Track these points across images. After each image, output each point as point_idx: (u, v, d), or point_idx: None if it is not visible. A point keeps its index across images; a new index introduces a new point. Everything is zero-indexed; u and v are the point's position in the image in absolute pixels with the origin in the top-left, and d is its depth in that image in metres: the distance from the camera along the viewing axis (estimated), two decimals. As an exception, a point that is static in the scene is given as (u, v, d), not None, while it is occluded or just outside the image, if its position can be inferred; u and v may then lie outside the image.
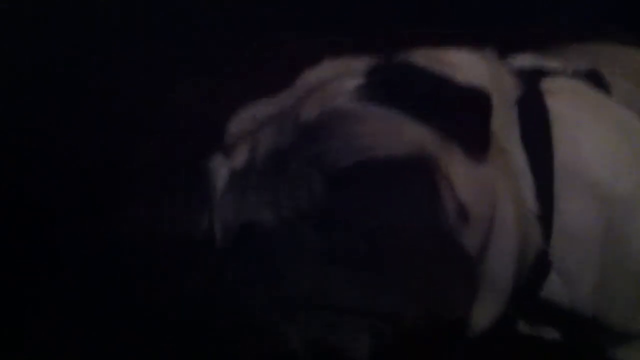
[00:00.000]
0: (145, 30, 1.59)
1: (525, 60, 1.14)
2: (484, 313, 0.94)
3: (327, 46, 1.64)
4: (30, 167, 1.53)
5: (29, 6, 1.54)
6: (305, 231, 0.87)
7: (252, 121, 0.98)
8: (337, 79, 0.97)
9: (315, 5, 1.69)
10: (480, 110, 0.93)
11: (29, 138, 1.55)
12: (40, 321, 1.42)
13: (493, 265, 0.94)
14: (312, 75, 1.01)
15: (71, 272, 1.46)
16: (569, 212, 1.00)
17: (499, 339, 0.98)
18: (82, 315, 1.43)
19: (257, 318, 0.90)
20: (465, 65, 1.03)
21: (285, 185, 0.89)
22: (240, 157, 0.95)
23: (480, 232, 0.92)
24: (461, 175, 0.91)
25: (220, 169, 0.97)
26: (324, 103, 0.94)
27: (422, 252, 0.88)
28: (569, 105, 1.05)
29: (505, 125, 1.00)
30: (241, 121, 1.00)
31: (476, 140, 0.93)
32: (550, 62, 1.14)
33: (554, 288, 1.01)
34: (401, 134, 0.91)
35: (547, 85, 1.07)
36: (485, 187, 0.93)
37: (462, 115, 0.92)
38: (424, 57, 1.03)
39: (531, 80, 1.07)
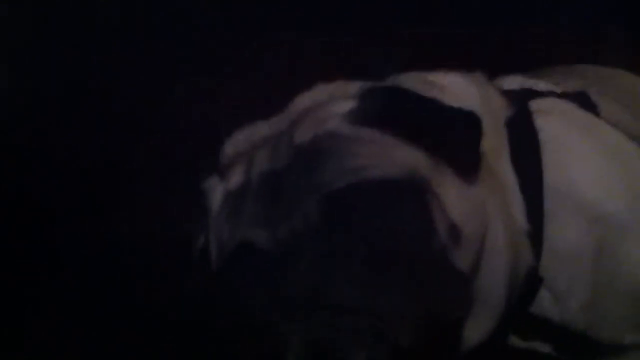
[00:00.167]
0: (145, 30, 1.59)
1: (514, 81, 1.16)
2: (477, 329, 0.96)
3: (327, 46, 1.65)
4: (30, 167, 1.54)
5: (29, 7, 1.54)
6: (301, 253, 0.89)
7: (247, 143, 1.00)
8: (330, 103, 0.99)
9: (315, 5, 1.69)
10: (470, 132, 0.95)
11: (29, 138, 1.55)
12: (40, 321, 1.43)
13: (485, 283, 0.95)
14: (306, 99, 1.03)
15: (71, 272, 1.46)
16: (559, 232, 1.02)
17: (491, 354, 0.99)
18: (82, 315, 1.43)
19: (256, 319, 0.91)
20: (456, 88, 1.05)
21: (280, 206, 0.91)
22: (235, 179, 0.97)
23: (472, 251, 0.93)
24: (452, 195, 0.92)
25: (216, 190, 0.99)
26: (318, 126, 0.95)
27: (415, 271, 0.89)
28: (559, 125, 1.07)
29: (495, 146, 1.01)
30: (236, 143, 1.02)
31: (467, 162, 0.95)
32: (539, 84, 1.16)
33: (545, 304, 1.02)
34: (393, 156, 0.93)
35: (537, 106, 1.08)
36: (476, 207, 0.95)
37: (452, 138, 0.94)
38: (415, 80, 1.04)
39: (521, 102, 1.08)
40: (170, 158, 1.56)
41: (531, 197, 1.01)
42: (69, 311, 1.43)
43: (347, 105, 0.97)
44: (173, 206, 1.50)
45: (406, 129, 0.93)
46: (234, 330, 0.97)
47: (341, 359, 0.88)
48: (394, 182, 0.91)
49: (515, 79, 1.16)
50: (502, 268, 0.97)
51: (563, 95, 1.12)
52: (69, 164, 1.53)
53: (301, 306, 0.88)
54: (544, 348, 1.06)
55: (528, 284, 1.01)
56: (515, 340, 1.05)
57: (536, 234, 1.01)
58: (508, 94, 1.09)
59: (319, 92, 1.03)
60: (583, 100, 1.12)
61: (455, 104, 0.97)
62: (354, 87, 1.01)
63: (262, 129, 1.01)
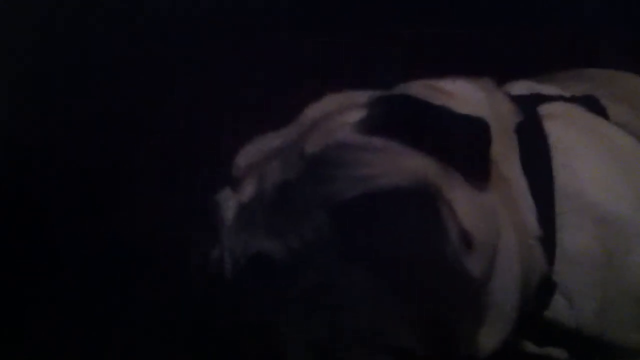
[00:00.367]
0: (146, 30, 1.59)
1: (522, 87, 1.16)
2: (491, 336, 0.96)
3: (327, 46, 1.65)
4: (30, 167, 1.54)
5: (29, 7, 1.54)
6: (313, 262, 0.89)
7: (259, 155, 1.01)
8: (340, 113, 1.00)
9: (316, 5, 1.69)
10: (479, 138, 0.95)
11: (29, 138, 1.55)
12: (40, 321, 1.43)
13: (498, 289, 0.95)
14: (316, 109, 1.04)
15: (71, 272, 1.46)
16: (570, 236, 1.02)
17: None
18: (82, 315, 1.43)
19: (259, 321, 0.91)
20: (464, 95, 1.05)
21: (292, 217, 0.92)
22: (247, 190, 0.98)
23: (485, 258, 0.93)
24: (463, 202, 0.93)
25: (228, 202, 0.99)
26: (328, 136, 0.96)
27: (428, 278, 0.89)
28: (568, 129, 1.07)
29: (505, 152, 1.02)
30: (248, 154, 1.03)
31: (477, 168, 0.95)
32: (547, 88, 1.16)
33: (559, 309, 1.03)
34: (403, 164, 0.93)
35: (545, 110, 1.09)
36: (488, 214, 0.95)
37: (462, 144, 0.95)
38: (423, 88, 1.05)
39: (529, 107, 1.09)
40: (170, 158, 1.56)
41: (542, 201, 1.02)
42: (69, 311, 1.43)
43: (357, 114, 0.97)
44: (173, 206, 1.50)
45: (415, 137, 0.94)
46: (234, 331, 0.97)
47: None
48: (405, 190, 0.91)
49: (524, 84, 1.17)
50: (515, 274, 0.97)
51: (572, 99, 1.13)
52: (69, 163, 1.53)
53: (303, 307, 0.89)
54: (559, 353, 1.06)
55: (542, 289, 1.01)
56: (529, 346, 1.05)
57: (548, 239, 1.01)
58: (517, 99, 1.09)
59: (329, 103, 1.04)
60: (592, 104, 1.12)
61: (463, 110, 0.97)
62: (363, 96, 1.02)
63: (272, 141, 1.02)
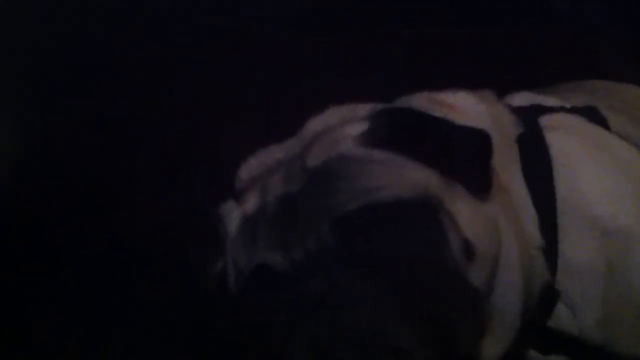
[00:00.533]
0: (146, 30, 1.59)
1: (523, 98, 1.17)
2: (494, 345, 0.96)
3: (327, 46, 1.65)
4: (30, 167, 1.54)
5: (29, 7, 1.54)
6: (316, 275, 0.90)
7: (261, 167, 1.01)
8: (342, 125, 1.00)
9: (316, 5, 1.69)
10: (481, 150, 0.96)
11: (28, 138, 1.55)
12: (40, 321, 1.43)
13: (500, 299, 0.96)
14: (318, 122, 1.04)
15: (71, 272, 1.46)
16: (571, 246, 1.02)
17: None
18: (82, 315, 1.43)
19: (260, 322, 0.92)
20: (465, 107, 1.06)
21: (295, 229, 0.92)
22: (250, 203, 0.98)
23: (487, 268, 0.94)
24: (465, 213, 0.93)
25: (232, 215, 1.00)
26: (330, 149, 0.97)
27: (430, 289, 0.89)
28: (569, 140, 1.07)
29: (506, 163, 1.02)
30: (251, 167, 1.04)
31: (478, 180, 0.96)
32: (548, 100, 1.16)
33: (562, 318, 1.03)
34: (405, 176, 0.93)
35: (547, 121, 1.09)
36: (489, 225, 0.96)
37: (463, 156, 0.95)
38: (424, 101, 1.05)
39: (530, 118, 1.09)
40: (170, 158, 1.56)
41: (544, 212, 1.02)
42: (69, 311, 1.43)
43: (359, 127, 0.98)
44: (173, 206, 1.50)
45: (417, 149, 0.94)
46: (234, 331, 0.97)
47: None
48: (406, 202, 0.91)
49: (524, 95, 1.17)
50: (517, 283, 0.97)
51: (573, 110, 1.13)
52: (69, 164, 1.53)
53: (304, 312, 0.89)
54: None
55: (544, 298, 1.01)
56: (533, 355, 1.06)
57: (551, 249, 1.01)
58: (517, 111, 1.10)
59: (331, 115, 1.04)
60: (593, 115, 1.13)
61: (464, 122, 0.98)
62: (365, 109, 1.03)
63: (275, 153, 1.03)
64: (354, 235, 0.90)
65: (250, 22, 1.65)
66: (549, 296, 1.02)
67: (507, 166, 1.02)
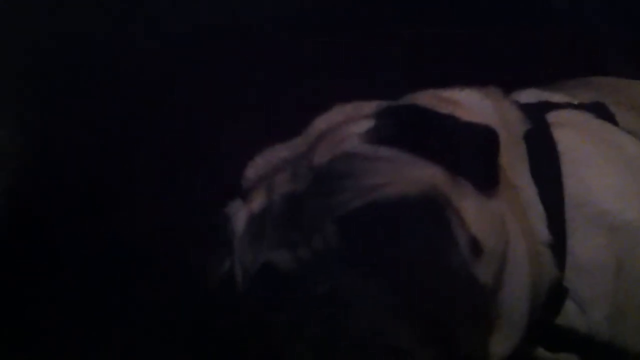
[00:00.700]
0: (146, 30, 1.59)
1: (530, 95, 1.17)
2: (502, 342, 0.96)
3: (327, 46, 1.65)
4: (30, 167, 1.53)
5: (29, 7, 1.54)
6: (322, 273, 0.89)
7: (268, 167, 1.01)
8: (347, 124, 1.00)
9: (316, 5, 1.69)
10: (487, 146, 0.96)
11: (28, 138, 1.54)
12: (40, 321, 1.43)
13: (508, 295, 0.96)
14: (323, 121, 1.05)
15: (71, 272, 1.46)
16: (579, 242, 1.02)
17: None
18: (82, 315, 1.43)
19: (278, 347, 0.92)
20: (471, 104, 1.06)
21: (301, 227, 0.92)
22: (257, 201, 0.99)
23: (494, 265, 0.94)
24: (472, 210, 0.93)
25: (239, 213, 1.00)
26: (335, 147, 0.97)
27: (437, 286, 0.89)
28: (577, 136, 1.07)
29: (513, 160, 1.02)
30: (257, 167, 1.04)
31: (485, 176, 0.96)
32: (555, 96, 1.16)
33: (570, 315, 1.03)
34: (411, 173, 0.93)
35: (554, 118, 1.09)
36: (496, 221, 0.96)
37: (469, 153, 0.95)
38: (430, 98, 1.05)
39: (537, 114, 1.09)
40: (170, 158, 1.56)
41: (552, 208, 1.02)
42: (69, 311, 1.43)
43: (364, 125, 0.98)
44: (173, 206, 1.50)
45: (423, 146, 0.95)
46: (235, 331, 0.97)
47: None
48: (413, 199, 0.92)
49: (531, 92, 1.17)
50: (525, 280, 0.97)
51: (580, 107, 1.13)
52: (68, 163, 1.53)
53: (310, 310, 0.89)
54: (572, 359, 1.06)
55: (553, 295, 1.02)
56: (542, 353, 1.06)
57: (558, 245, 1.01)
58: (524, 108, 1.10)
59: (336, 114, 1.05)
60: (600, 111, 1.13)
61: (471, 119, 0.98)
62: (370, 107, 1.03)
63: (281, 153, 1.03)
64: (360, 233, 0.90)
65: (250, 22, 1.65)
66: (557, 293, 1.02)
67: (514, 163, 1.02)
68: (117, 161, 1.54)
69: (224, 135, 1.53)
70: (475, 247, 0.92)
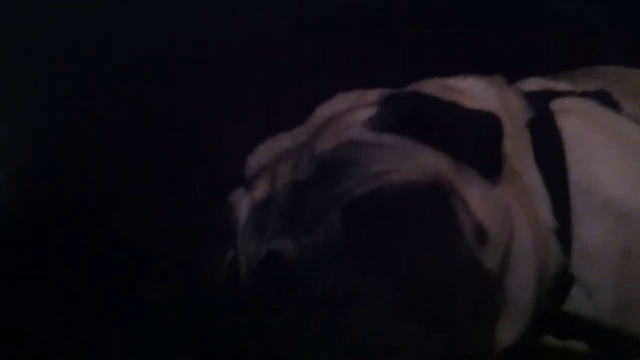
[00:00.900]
0: (146, 30, 1.59)
1: (533, 83, 1.17)
2: (508, 330, 0.96)
3: (327, 46, 1.65)
4: (29, 167, 1.53)
5: (29, 7, 1.54)
6: (326, 261, 0.89)
7: (271, 155, 1.01)
8: (351, 111, 1.00)
9: (316, 5, 1.69)
10: (491, 133, 0.96)
11: (28, 138, 1.54)
12: (40, 321, 1.42)
13: (514, 282, 0.96)
14: (326, 109, 1.05)
15: (71, 272, 1.46)
16: (585, 229, 1.02)
17: (526, 354, 0.99)
18: (82, 315, 1.43)
19: (280, 344, 0.91)
20: (474, 91, 1.06)
21: (304, 216, 0.92)
22: (260, 190, 0.98)
23: (500, 251, 0.94)
24: (477, 197, 0.93)
25: (242, 202, 1.00)
26: (339, 135, 0.97)
27: (442, 273, 0.89)
28: (581, 123, 1.07)
29: (517, 147, 1.03)
30: (260, 155, 1.04)
31: (489, 163, 0.96)
32: (559, 85, 1.16)
33: (577, 301, 1.03)
34: (415, 160, 0.93)
35: (558, 105, 1.09)
36: (501, 208, 0.96)
37: (473, 139, 0.95)
38: (434, 86, 1.05)
39: (541, 102, 1.09)
40: (170, 158, 1.56)
41: (557, 195, 1.02)
42: (69, 311, 1.43)
43: (367, 112, 0.98)
44: (173, 206, 1.50)
45: (427, 133, 0.95)
46: (236, 330, 0.97)
47: None
48: (417, 185, 0.92)
49: (535, 80, 1.17)
50: (531, 267, 0.97)
51: (584, 94, 1.13)
52: (68, 163, 1.53)
53: (312, 308, 0.89)
54: (579, 346, 1.06)
55: (559, 282, 1.01)
56: (549, 340, 1.06)
57: (564, 232, 1.01)
58: (528, 96, 1.10)
59: (339, 102, 1.05)
60: (605, 99, 1.13)
61: (474, 106, 0.98)
62: (373, 94, 1.03)
63: (284, 141, 1.03)
64: (364, 220, 0.90)
65: (250, 22, 1.65)
66: (564, 280, 1.02)
67: (518, 150, 1.02)
68: (117, 161, 1.54)
69: (224, 135, 1.53)
70: (481, 233, 0.92)
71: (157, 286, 1.42)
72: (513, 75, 1.23)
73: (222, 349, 1.17)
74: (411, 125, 0.95)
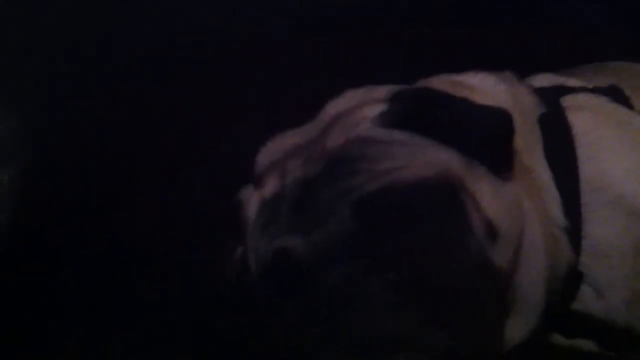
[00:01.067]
0: (146, 30, 1.59)
1: (544, 79, 1.16)
2: (518, 327, 0.96)
3: (327, 46, 1.65)
4: (29, 167, 1.53)
5: (29, 7, 1.54)
6: (337, 258, 0.89)
7: (280, 152, 1.01)
8: (360, 108, 1.00)
9: (316, 5, 1.69)
10: (502, 129, 0.95)
11: (28, 138, 1.54)
12: (40, 321, 1.42)
13: (524, 280, 0.96)
14: (336, 105, 1.04)
15: (71, 272, 1.46)
16: (596, 226, 1.02)
17: (534, 352, 0.99)
18: (82, 315, 1.43)
19: (287, 342, 0.91)
20: (485, 87, 1.06)
21: (314, 212, 0.92)
22: (270, 187, 0.98)
23: (510, 248, 0.94)
24: (487, 193, 0.93)
25: (251, 199, 0.99)
26: (349, 131, 0.96)
27: (452, 270, 0.89)
28: (592, 120, 1.07)
29: (528, 143, 1.02)
30: (270, 152, 1.03)
31: (500, 159, 0.95)
32: (570, 81, 1.16)
33: (587, 300, 1.03)
34: (425, 156, 0.93)
35: (569, 102, 1.09)
36: (512, 204, 0.96)
37: (484, 136, 0.95)
38: (444, 82, 1.05)
39: (552, 98, 1.09)
40: (170, 158, 1.56)
41: (567, 192, 1.02)
42: (69, 311, 1.43)
43: (377, 108, 0.98)
44: (173, 206, 1.50)
45: (437, 129, 0.94)
46: (235, 330, 0.97)
47: None
48: (427, 182, 0.91)
49: (546, 77, 1.17)
50: (541, 264, 0.97)
51: (595, 90, 1.12)
52: (68, 163, 1.53)
53: (335, 336, 0.88)
54: (588, 345, 1.06)
55: (568, 280, 1.01)
56: (558, 338, 1.05)
57: (574, 229, 1.01)
58: (539, 92, 1.09)
59: (349, 98, 1.04)
60: (616, 95, 1.12)
61: (485, 102, 0.97)
62: (383, 91, 1.02)
63: (294, 138, 1.03)
64: (374, 217, 0.90)
65: (250, 22, 1.65)
66: (573, 278, 1.01)
67: (529, 147, 1.02)
68: (117, 161, 1.54)
69: (224, 135, 1.53)
70: (491, 230, 0.91)
71: (157, 286, 1.42)
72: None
73: (222, 349, 1.17)
74: (421, 121, 0.94)
